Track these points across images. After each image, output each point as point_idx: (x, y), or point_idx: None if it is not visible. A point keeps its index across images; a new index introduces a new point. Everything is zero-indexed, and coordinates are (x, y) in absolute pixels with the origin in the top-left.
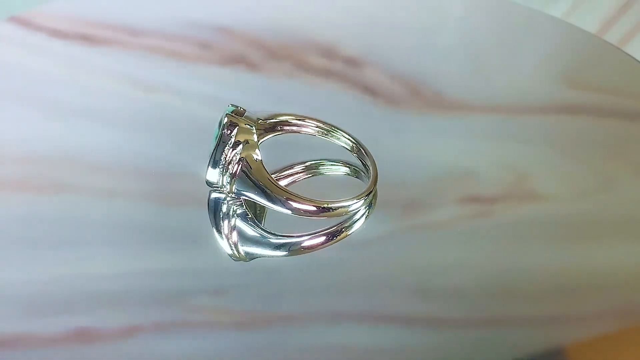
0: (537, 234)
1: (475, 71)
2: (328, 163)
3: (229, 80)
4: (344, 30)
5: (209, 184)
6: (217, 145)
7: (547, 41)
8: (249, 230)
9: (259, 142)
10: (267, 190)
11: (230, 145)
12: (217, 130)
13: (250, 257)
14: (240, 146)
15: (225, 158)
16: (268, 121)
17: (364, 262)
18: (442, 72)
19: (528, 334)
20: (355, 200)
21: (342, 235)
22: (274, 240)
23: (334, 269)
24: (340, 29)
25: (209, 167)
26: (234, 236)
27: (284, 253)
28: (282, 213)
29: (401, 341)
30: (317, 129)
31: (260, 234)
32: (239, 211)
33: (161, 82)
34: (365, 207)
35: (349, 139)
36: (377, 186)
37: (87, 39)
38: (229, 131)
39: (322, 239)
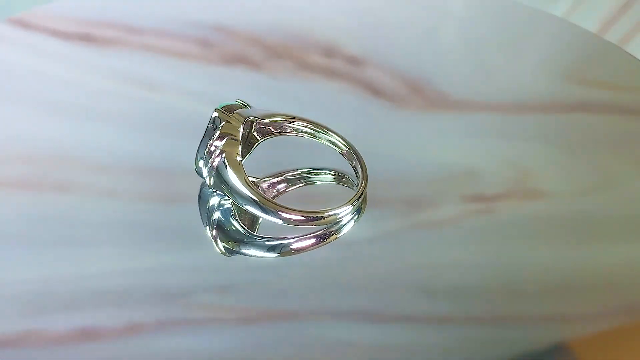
0: (540, 232)
1: (477, 70)
2: (313, 172)
3: (230, 79)
4: (345, 29)
5: (198, 174)
6: (203, 137)
7: (548, 40)
8: (231, 227)
9: (254, 145)
10: (238, 189)
11: (214, 139)
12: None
13: (231, 252)
14: (224, 140)
15: (209, 151)
16: (261, 120)
17: (367, 260)
18: (444, 70)
19: (532, 332)
20: (341, 209)
21: (332, 238)
22: (257, 241)
23: (338, 267)
24: (342, 27)
25: (196, 158)
26: (214, 230)
27: (267, 254)
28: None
29: (405, 339)
30: (307, 130)
31: (241, 232)
32: (226, 205)
33: (162, 82)
34: (354, 213)
35: (340, 141)
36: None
37: (87, 39)
38: (214, 125)
39: (310, 241)
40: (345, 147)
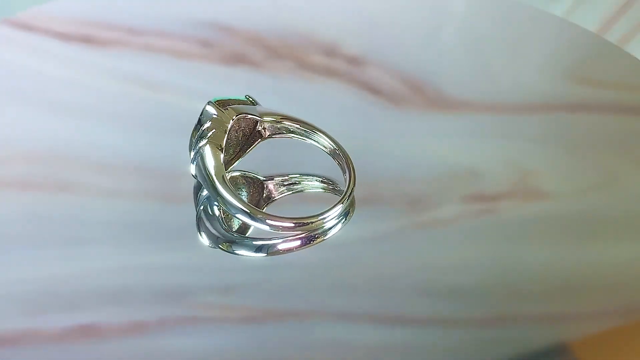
0: (541, 232)
1: (478, 69)
2: (299, 178)
3: (231, 78)
4: (346, 28)
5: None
6: (193, 129)
7: (549, 40)
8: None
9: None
10: (212, 182)
11: (199, 132)
12: None
13: (214, 245)
14: (209, 134)
15: (195, 142)
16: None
17: (368, 260)
18: (445, 70)
19: (533, 332)
20: (327, 214)
21: (318, 240)
22: (241, 240)
23: (339, 267)
24: (343, 27)
25: (189, 148)
26: (201, 222)
27: (252, 254)
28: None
29: (406, 340)
30: (297, 130)
31: (222, 228)
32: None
33: (163, 81)
34: (341, 216)
35: (328, 142)
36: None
37: (88, 40)
38: (204, 117)
39: (296, 243)
40: (333, 148)
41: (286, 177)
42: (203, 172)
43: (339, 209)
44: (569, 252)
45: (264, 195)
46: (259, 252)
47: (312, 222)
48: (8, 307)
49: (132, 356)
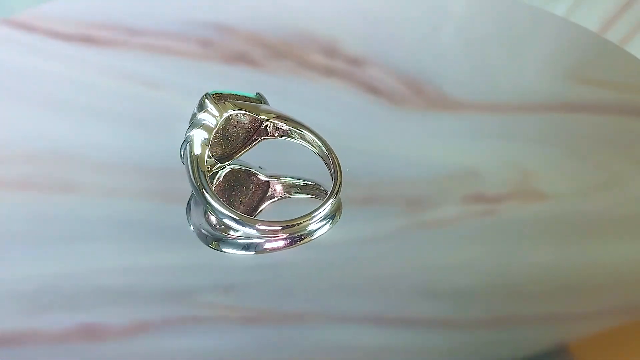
0: (542, 233)
1: (478, 70)
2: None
3: (231, 78)
4: (346, 28)
5: None
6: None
7: (550, 39)
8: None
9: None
10: (192, 178)
11: (191, 121)
12: None
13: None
14: (199, 124)
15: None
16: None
17: (369, 261)
18: (445, 70)
19: (534, 333)
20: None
21: (306, 240)
22: (228, 238)
23: (340, 267)
24: (343, 27)
25: None
26: (190, 213)
27: (239, 252)
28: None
29: (407, 341)
30: (283, 127)
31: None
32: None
33: (163, 80)
34: (329, 217)
35: (314, 140)
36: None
37: (88, 40)
38: (199, 108)
39: (282, 243)
40: (320, 145)
41: (283, 178)
42: (187, 162)
43: (327, 207)
44: (570, 253)
45: (257, 191)
46: (245, 250)
47: (299, 224)
48: (10, 306)
49: (134, 356)
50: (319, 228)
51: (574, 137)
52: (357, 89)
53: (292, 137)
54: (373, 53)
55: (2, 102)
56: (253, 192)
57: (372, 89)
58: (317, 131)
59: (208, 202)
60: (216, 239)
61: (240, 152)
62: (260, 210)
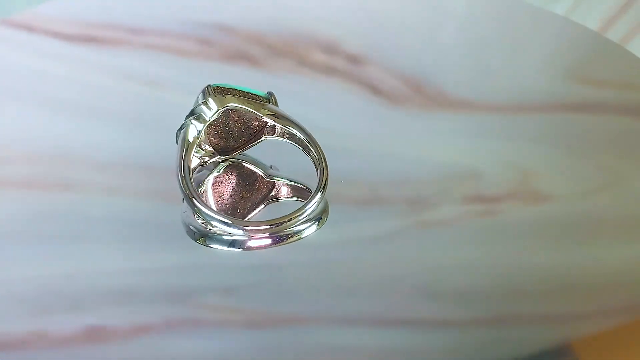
0: (543, 233)
1: (478, 69)
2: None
3: (232, 76)
4: (346, 27)
5: None
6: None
7: (550, 39)
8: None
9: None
10: (177, 166)
11: (189, 112)
12: None
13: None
14: (193, 115)
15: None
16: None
17: (370, 261)
18: (445, 70)
19: (535, 333)
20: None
21: (293, 239)
22: (217, 228)
23: (341, 268)
24: (343, 25)
25: None
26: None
27: (226, 249)
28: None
29: (408, 342)
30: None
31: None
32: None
33: (164, 80)
34: (315, 219)
35: (298, 134)
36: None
37: (90, 40)
38: (199, 98)
39: (268, 241)
40: (306, 142)
41: (291, 182)
42: (177, 150)
43: (313, 204)
44: (570, 253)
45: (261, 189)
46: (232, 246)
47: (285, 222)
48: (12, 308)
49: (137, 358)
50: (306, 228)
51: (574, 137)
52: (357, 88)
53: (279, 134)
54: (373, 52)
55: (3, 102)
56: (257, 189)
57: (372, 88)
58: (304, 126)
59: (186, 193)
60: (202, 234)
61: (243, 147)
62: (262, 208)
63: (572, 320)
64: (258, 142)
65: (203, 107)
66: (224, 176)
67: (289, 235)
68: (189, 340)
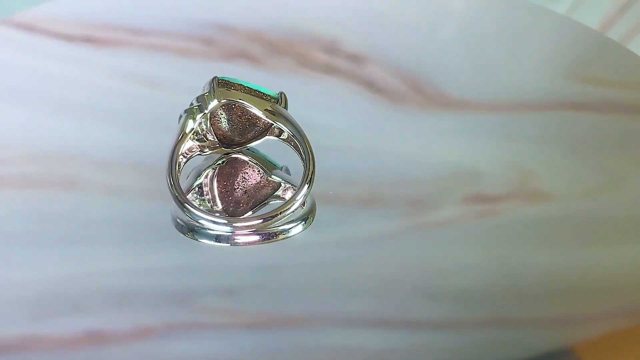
0: (543, 233)
1: (479, 68)
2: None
3: (232, 75)
4: (346, 26)
5: None
6: None
7: (551, 38)
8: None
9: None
10: (169, 153)
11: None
12: None
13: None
14: (192, 105)
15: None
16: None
17: (370, 262)
18: (445, 69)
19: (537, 335)
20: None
21: (280, 237)
22: (205, 221)
23: (341, 268)
24: (343, 24)
25: None
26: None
27: (214, 243)
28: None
29: (410, 343)
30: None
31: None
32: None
33: (165, 80)
34: (301, 219)
35: (290, 129)
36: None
37: (90, 40)
38: (204, 89)
39: (255, 238)
40: (291, 133)
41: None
42: (173, 136)
43: (301, 196)
44: (571, 254)
45: (266, 188)
46: (218, 241)
47: (273, 217)
48: (13, 311)
49: None
50: (293, 227)
51: (575, 136)
52: (357, 87)
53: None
54: (373, 51)
55: (4, 102)
56: (262, 187)
57: (373, 88)
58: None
59: (174, 194)
60: (191, 228)
61: (248, 143)
62: (264, 205)
63: (574, 322)
64: (261, 140)
65: (205, 97)
66: (229, 169)
67: (277, 234)
68: (190, 343)
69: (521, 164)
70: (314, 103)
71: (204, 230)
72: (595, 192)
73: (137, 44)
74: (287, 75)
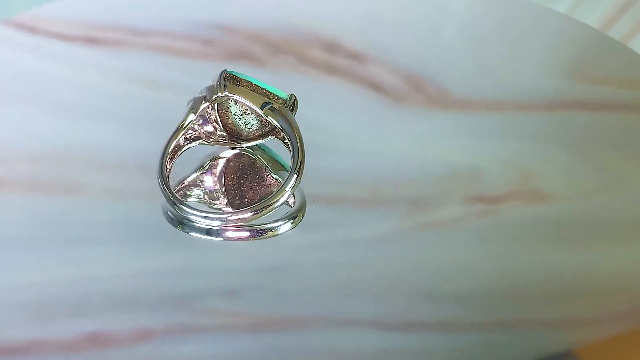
0: (545, 234)
1: (479, 67)
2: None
3: None
4: (347, 25)
5: None
6: None
7: (551, 37)
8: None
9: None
10: (164, 144)
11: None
12: None
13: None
14: (201, 94)
15: None
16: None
17: (371, 263)
18: (446, 68)
19: (538, 337)
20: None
21: (270, 234)
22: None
23: (342, 270)
24: (344, 24)
25: None
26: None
27: (204, 237)
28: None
29: (411, 345)
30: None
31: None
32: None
33: (166, 81)
34: (289, 218)
35: (284, 124)
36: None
37: (92, 41)
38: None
39: (245, 233)
40: (285, 128)
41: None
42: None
43: (289, 187)
44: (573, 255)
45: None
46: (209, 235)
47: (263, 209)
48: (14, 314)
49: None
50: (281, 225)
51: (576, 136)
52: (358, 86)
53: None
54: (374, 50)
55: (5, 103)
56: (267, 185)
57: (373, 86)
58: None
59: (159, 175)
60: (180, 221)
61: (255, 139)
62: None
63: (577, 325)
64: (267, 140)
65: (210, 88)
66: (238, 163)
67: (265, 231)
68: (191, 345)
69: (522, 164)
70: (315, 103)
71: (194, 224)
72: (596, 192)
73: (138, 45)
74: (288, 74)
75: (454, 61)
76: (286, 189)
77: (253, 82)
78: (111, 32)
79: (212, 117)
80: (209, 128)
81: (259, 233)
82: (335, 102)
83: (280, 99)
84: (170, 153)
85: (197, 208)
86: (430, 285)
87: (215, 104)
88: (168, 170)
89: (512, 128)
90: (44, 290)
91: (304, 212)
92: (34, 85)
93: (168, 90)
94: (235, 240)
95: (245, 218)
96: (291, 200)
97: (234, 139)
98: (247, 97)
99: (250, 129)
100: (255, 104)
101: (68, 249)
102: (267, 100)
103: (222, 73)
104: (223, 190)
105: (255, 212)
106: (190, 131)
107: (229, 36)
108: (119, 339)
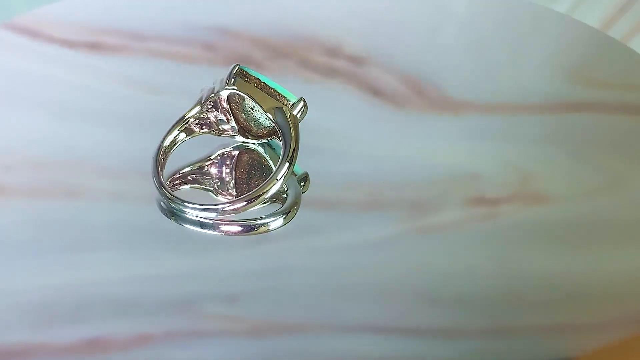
0: (546, 237)
1: (480, 70)
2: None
3: None
4: (348, 28)
5: None
6: None
7: (551, 37)
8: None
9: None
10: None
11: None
12: None
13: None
14: (211, 85)
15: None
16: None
17: (371, 267)
18: (447, 71)
19: (539, 342)
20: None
21: (262, 229)
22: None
23: (342, 274)
24: (345, 27)
25: None
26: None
27: (196, 228)
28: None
29: (411, 349)
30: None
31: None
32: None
33: (167, 85)
34: (282, 213)
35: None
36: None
37: (94, 46)
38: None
39: (238, 228)
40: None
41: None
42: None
43: (281, 175)
44: (574, 258)
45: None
46: (203, 228)
47: (255, 198)
48: (14, 319)
49: None
50: (273, 220)
51: (577, 138)
52: (359, 89)
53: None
54: (375, 53)
55: (6, 108)
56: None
57: (374, 89)
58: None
59: (156, 180)
60: (174, 213)
61: (264, 137)
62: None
63: (578, 329)
64: (269, 137)
65: (218, 82)
66: (249, 158)
67: (257, 226)
68: (191, 350)
69: (522, 166)
70: (316, 106)
71: (188, 217)
72: (597, 194)
73: (140, 49)
74: (288, 78)
75: (454, 63)
76: (277, 178)
77: (262, 80)
78: (112, 37)
79: (225, 109)
80: (222, 117)
81: (249, 229)
82: (335, 105)
83: (288, 100)
84: (168, 145)
85: (191, 200)
86: (430, 288)
87: (227, 97)
88: (163, 160)
89: (512, 130)
90: (45, 295)
91: (298, 209)
92: (34, 89)
93: (169, 95)
94: (228, 234)
95: (239, 208)
96: (284, 196)
97: (245, 134)
98: (253, 94)
99: (258, 126)
100: (261, 103)
101: (68, 254)
102: (273, 101)
103: (233, 67)
104: (233, 183)
105: (249, 201)
106: (202, 118)
107: (230, 40)
108: (119, 344)
